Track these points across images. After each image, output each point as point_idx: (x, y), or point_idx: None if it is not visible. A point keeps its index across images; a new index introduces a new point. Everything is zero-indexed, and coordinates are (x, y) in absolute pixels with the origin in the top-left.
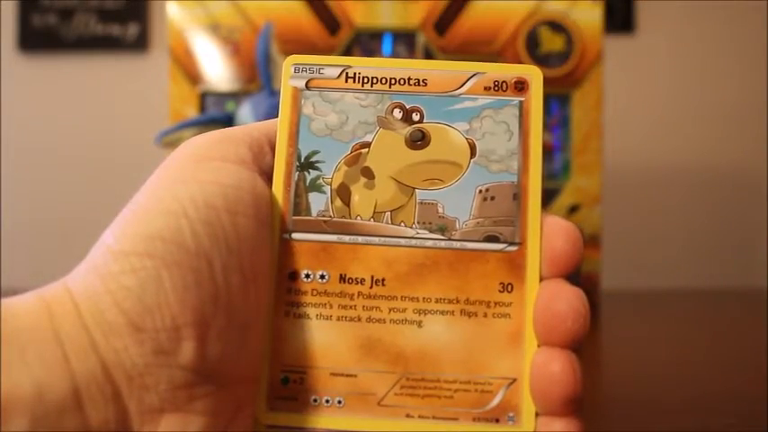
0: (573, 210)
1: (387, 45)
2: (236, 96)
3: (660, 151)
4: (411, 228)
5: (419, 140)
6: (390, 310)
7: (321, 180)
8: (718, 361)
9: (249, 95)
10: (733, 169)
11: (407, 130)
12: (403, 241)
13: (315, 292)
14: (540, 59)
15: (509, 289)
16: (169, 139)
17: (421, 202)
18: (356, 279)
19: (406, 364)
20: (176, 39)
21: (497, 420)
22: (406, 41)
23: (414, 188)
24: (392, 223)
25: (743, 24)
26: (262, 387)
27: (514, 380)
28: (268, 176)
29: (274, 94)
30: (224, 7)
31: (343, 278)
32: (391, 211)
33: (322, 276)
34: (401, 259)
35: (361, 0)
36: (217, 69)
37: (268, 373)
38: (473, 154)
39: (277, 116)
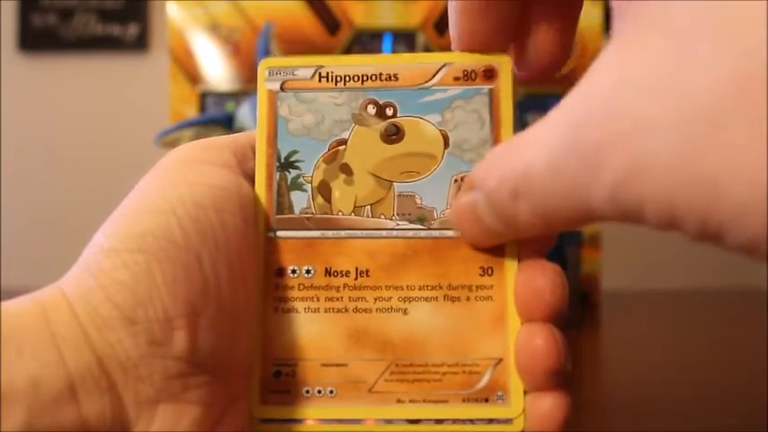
0: None
1: (387, 45)
2: (236, 96)
3: None
4: (391, 220)
5: (394, 135)
6: (376, 300)
7: (302, 179)
8: (718, 361)
9: (249, 95)
10: None
11: (382, 125)
12: (384, 233)
13: (302, 287)
14: None
15: (489, 272)
16: (169, 139)
17: (399, 195)
18: (341, 272)
19: (395, 351)
20: (176, 39)
21: (486, 400)
22: (406, 41)
23: (391, 181)
24: (372, 216)
25: None
26: (254, 381)
27: (501, 360)
28: (252, 180)
29: None
30: (224, 7)
31: (328, 272)
32: (371, 205)
33: (308, 271)
34: (383, 250)
35: (361, 0)
36: (217, 69)
37: (260, 368)
38: (446, 145)
39: None
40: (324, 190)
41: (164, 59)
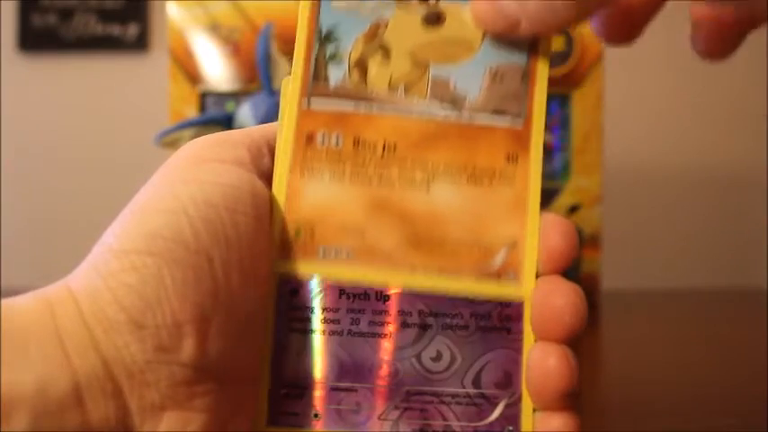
0: (573, 210)
1: None
2: (236, 96)
3: (660, 151)
4: (423, 101)
5: (435, 19)
6: (401, 175)
7: (340, 53)
8: (718, 361)
9: (249, 95)
10: (733, 169)
11: (424, 8)
12: (415, 113)
13: (329, 155)
14: None
15: (514, 159)
16: (169, 140)
17: (434, 78)
18: (369, 144)
19: (414, 224)
20: (176, 39)
21: (499, 277)
22: None
23: (428, 65)
24: (406, 96)
25: None
26: (274, 241)
27: (516, 242)
28: (266, 178)
29: (274, 94)
30: (224, 7)
31: (356, 143)
32: (405, 85)
33: (337, 140)
34: (413, 129)
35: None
36: (217, 69)
37: (281, 227)
38: (486, 34)
39: (277, 117)
40: (360, 66)
41: (164, 59)
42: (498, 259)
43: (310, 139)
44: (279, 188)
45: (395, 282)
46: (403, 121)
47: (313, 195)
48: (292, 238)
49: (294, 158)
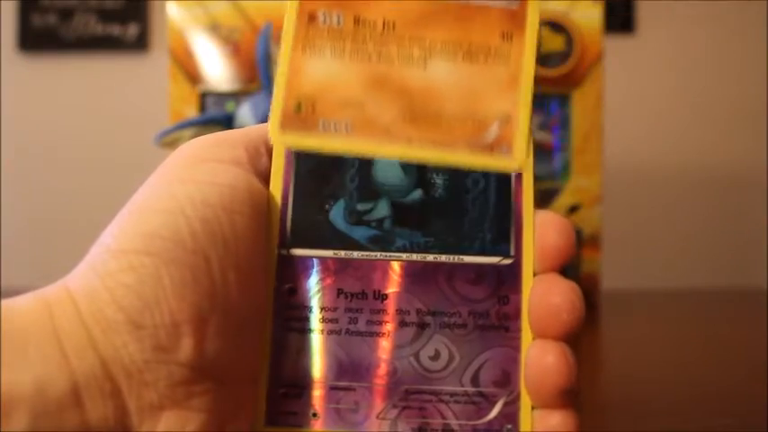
0: (573, 210)
1: None
2: (236, 96)
3: (660, 151)
4: None
5: None
6: (399, 52)
7: None
8: (717, 361)
9: (249, 95)
10: (733, 169)
11: None
12: None
13: (330, 33)
14: (541, 59)
15: (509, 38)
16: (168, 140)
17: None
18: (369, 22)
19: (411, 99)
20: (176, 39)
21: (492, 150)
22: None
23: None
24: None
25: (743, 24)
26: (275, 114)
27: (509, 116)
28: (264, 178)
29: None
30: (224, 7)
31: (357, 21)
32: None
33: (338, 19)
34: (411, 8)
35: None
36: (217, 69)
37: (283, 101)
38: None
39: None
40: None
41: (164, 59)
42: (491, 132)
43: (312, 18)
44: (282, 65)
45: (391, 153)
46: (402, 1)
47: (314, 71)
48: (293, 112)
49: (296, 37)
